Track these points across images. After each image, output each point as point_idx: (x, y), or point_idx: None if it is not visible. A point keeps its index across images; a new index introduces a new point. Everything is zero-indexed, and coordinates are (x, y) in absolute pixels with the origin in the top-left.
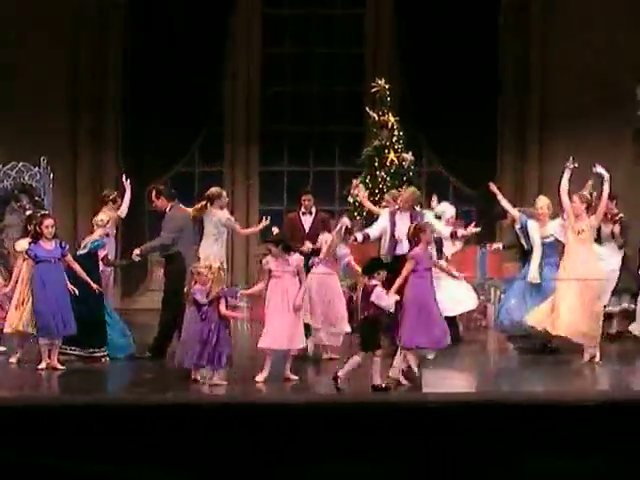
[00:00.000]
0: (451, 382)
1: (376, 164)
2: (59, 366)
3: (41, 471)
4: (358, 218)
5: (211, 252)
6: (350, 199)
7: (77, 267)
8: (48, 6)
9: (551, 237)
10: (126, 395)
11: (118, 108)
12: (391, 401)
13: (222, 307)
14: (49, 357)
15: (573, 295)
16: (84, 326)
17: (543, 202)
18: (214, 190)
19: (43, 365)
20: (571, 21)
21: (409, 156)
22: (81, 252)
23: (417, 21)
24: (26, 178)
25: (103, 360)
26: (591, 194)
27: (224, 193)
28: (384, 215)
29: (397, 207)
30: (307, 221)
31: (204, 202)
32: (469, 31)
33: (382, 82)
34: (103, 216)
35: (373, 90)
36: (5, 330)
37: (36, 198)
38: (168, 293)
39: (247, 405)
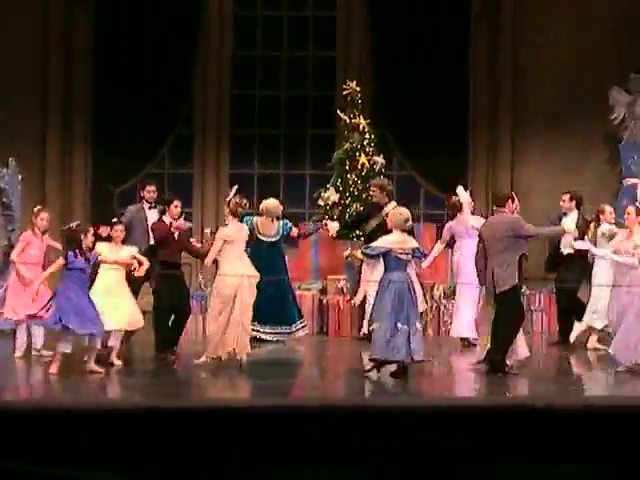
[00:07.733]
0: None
1: (347, 167)
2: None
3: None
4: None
5: None
6: (321, 202)
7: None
8: (16, 6)
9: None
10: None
11: (88, 110)
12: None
13: None
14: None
15: None
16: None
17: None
18: None
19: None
20: (542, 24)
21: (380, 159)
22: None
23: (388, 23)
24: None
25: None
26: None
27: None
28: None
29: None
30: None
31: None
32: (440, 34)
33: (353, 85)
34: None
35: (344, 93)
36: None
37: (4, 200)
38: None
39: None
